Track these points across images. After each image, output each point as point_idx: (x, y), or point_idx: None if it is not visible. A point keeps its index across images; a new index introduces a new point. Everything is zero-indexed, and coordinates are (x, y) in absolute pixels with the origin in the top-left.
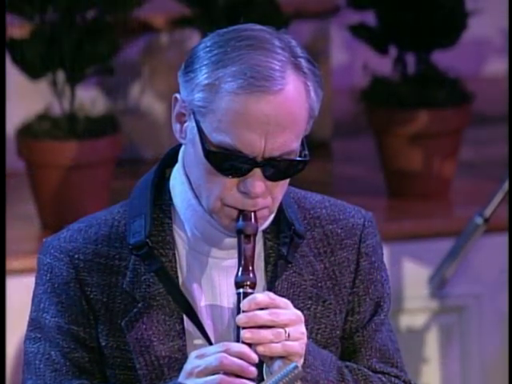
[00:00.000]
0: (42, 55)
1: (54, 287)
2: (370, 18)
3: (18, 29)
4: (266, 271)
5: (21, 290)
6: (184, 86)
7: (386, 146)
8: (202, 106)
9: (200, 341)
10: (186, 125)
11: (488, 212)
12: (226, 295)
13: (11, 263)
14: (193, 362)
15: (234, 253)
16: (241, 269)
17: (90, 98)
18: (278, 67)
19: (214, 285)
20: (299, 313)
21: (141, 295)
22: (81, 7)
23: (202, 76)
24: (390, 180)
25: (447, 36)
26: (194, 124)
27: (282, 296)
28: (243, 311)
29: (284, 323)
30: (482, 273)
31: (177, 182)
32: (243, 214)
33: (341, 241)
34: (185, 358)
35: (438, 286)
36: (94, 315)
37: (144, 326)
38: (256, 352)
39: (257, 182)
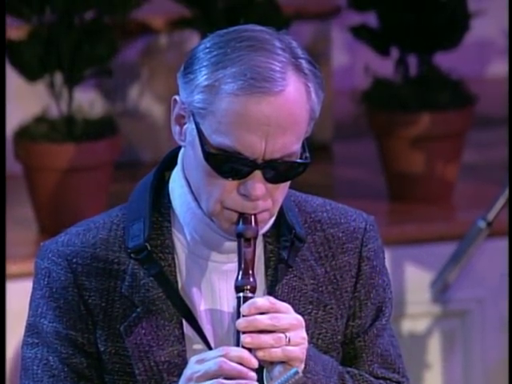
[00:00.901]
0: (39, 57)
1: (51, 292)
2: (371, 18)
3: (15, 30)
4: (267, 275)
5: (18, 295)
6: (183, 88)
7: (387, 148)
8: (202, 108)
9: (200, 346)
10: (185, 127)
11: (491, 216)
12: (226, 299)
13: (9, 267)
14: (192, 367)
15: (234, 257)
16: (241, 273)
17: (88, 100)
18: (278, 68)
19: (213, 289)
20: (300, 317)
21: (140, 300)
22: (79, 8)
23: (202, 77)
24: (391, 183)
25: (449, 37)
26: (193, 126)
27: (283, 300)
28: (243, 315)
29: (284, 328)
30: (484, 277)
31: (176, 185)
32: (243, 217)
33: (342, 245)
34: (184, 363)
35: (441, 290)
36: (92, 320)
37: (143, 331)
38: (256, 357)
39: (257, 184)
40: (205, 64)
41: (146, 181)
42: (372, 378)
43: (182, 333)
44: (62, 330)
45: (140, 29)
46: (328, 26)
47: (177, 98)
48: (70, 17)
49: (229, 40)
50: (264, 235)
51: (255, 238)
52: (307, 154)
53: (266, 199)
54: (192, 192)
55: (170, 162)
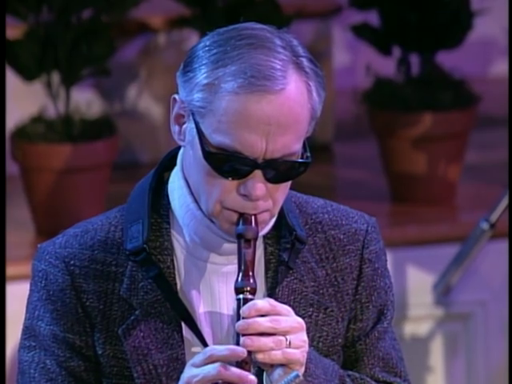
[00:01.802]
0: (36, 56)
1: (49, 294)
2: (372, 17)
3: (11, 29)
4: (267, 277)
5: (15, 297)
6: (183, 87)
7: (389, 149)
8: (202, 107)
9: (199, 349)
10: (184, 126)
11: (494, 217)
12: (226, 302)
13: (6, 269)
14: (190, 371)
15: (234, 258)
16: (241, 274)
17: (86, 100)
18: (279, 66)
19: (213, 291)
20: (301, 320)
21: (138, 302)
22: (76, 7)
23: (202, 76)
24: (393, 184)
25: (452, 36)
26: (193, 125)
27: (283, 303)
28: (243, 318)
29: (285, 330)
30: (487, 279)
31: (175, 185)
32: (243, 217)
33: (343, 247)
34: (183, 366)
35: (443, 292)
36: (90, 323)
37: (141, 334)
38: (256, 360)
39: (257, 184)
40: (204, 62)
41: (145, 182)
42: (373, 382)
43: (181, 336)
44: (59, 332)
45: (138, 28)
46: (329, 25)
47: (176, 97)
48: (67, 16)
49: (229, 38)
50: (264, 236)
51: (255, 239)
52: (308, 154)
53: (267, 199)
54: (191, 193)
55: (168, 162)
